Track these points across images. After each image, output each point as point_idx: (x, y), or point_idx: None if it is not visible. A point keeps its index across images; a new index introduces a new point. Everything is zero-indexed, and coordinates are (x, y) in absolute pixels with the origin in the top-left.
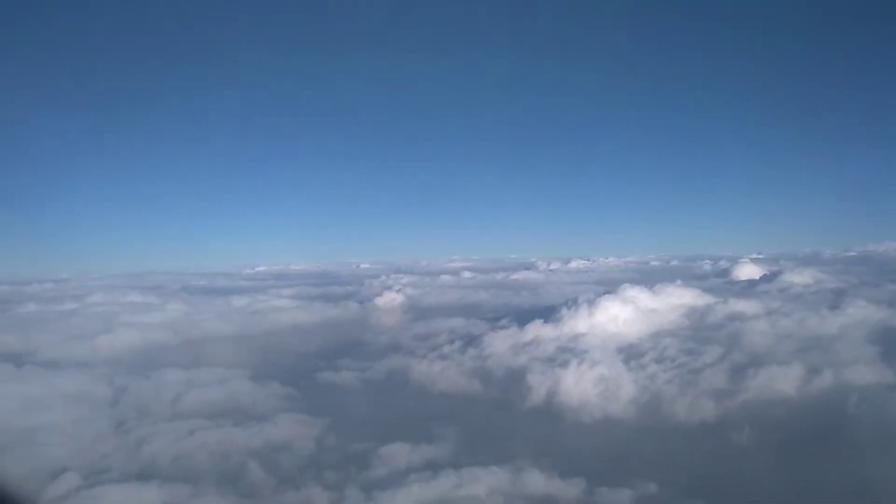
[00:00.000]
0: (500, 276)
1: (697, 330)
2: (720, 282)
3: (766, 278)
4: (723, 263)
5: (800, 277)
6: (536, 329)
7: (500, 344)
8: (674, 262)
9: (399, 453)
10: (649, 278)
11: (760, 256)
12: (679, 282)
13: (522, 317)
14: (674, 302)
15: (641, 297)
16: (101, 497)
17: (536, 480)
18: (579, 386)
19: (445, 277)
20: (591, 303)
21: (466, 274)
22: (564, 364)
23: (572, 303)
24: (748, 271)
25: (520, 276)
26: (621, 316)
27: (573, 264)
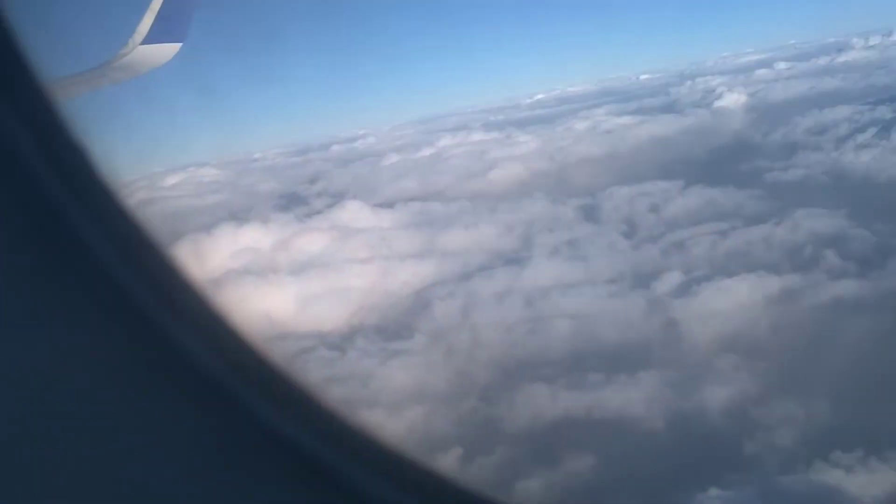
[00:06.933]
0: (822, 61)
1: None
2: None
3: None
4: None
5: None
6: None
7: None
8: None
9: None
10: None
11: None
12: None
13: None
14: None
15: None
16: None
17: None
18: None
19: (762, 72)
20: None
21: (781, 65)
22: None
23: None
24: None
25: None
26: None
27: None
